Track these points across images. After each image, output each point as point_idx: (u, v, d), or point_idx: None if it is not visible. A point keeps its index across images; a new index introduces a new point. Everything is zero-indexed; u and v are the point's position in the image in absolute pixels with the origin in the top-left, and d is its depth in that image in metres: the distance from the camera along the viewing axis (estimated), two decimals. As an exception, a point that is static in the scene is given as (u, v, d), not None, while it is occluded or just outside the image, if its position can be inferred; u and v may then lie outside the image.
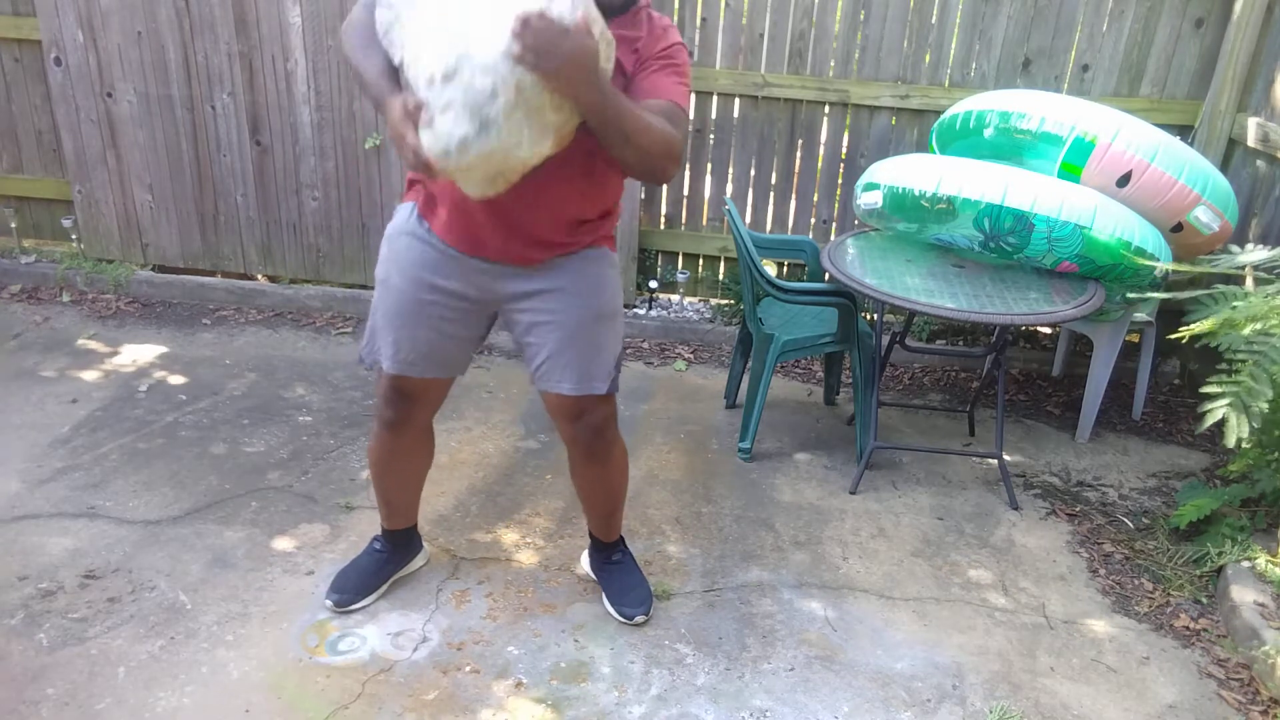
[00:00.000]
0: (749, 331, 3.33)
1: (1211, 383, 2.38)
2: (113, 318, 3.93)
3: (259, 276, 4.29)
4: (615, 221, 2.12)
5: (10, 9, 3.91)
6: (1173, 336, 2.50)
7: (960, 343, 4.03)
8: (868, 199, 3.15)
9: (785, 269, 4.18)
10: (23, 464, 2.84)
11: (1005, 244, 2.89)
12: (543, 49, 1.52)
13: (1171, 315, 3.24)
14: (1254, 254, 2.48)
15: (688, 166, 4.02)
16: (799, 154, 3.95)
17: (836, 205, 3.99)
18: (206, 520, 2.64)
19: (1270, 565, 2.51)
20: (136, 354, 3.62)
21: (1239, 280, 2.54)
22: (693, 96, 3.90)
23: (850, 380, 3.68)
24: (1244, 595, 2.44)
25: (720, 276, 4.18)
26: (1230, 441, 2.26)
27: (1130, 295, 3.01)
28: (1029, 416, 3.57)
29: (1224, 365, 2.45)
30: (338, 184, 4.00)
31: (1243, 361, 2.42)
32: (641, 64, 1.84)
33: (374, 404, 2.19)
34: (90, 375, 3.42)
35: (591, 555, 2.45)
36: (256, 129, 3.93)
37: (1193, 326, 2.39)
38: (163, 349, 3.68)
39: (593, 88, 1.61)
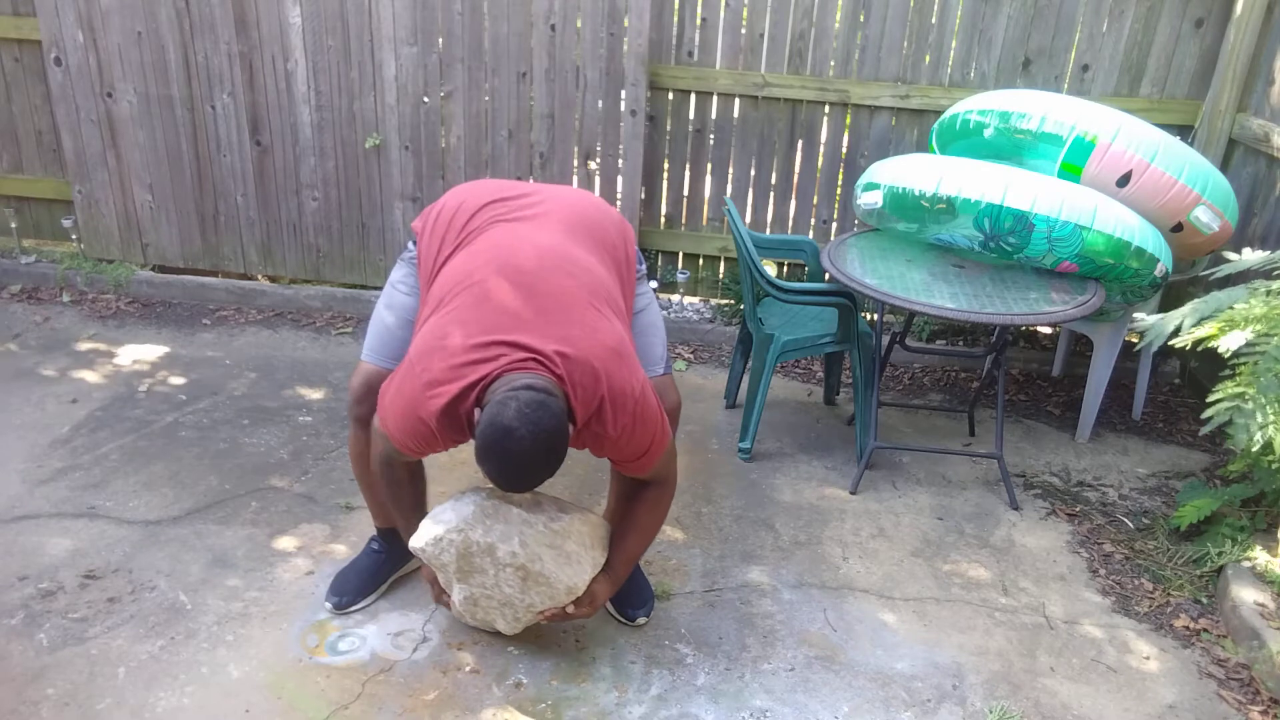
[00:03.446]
0: (749, 331, 3.33)
1: (1216, 390, 2.38)
2: (113, 318, 3.93)
3: (259, 276, 4.29)
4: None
5: (10, 9, 3.91)
6: (1176, 343, 2.50)
7: (960, 343, 4.03)
8: (868, 199, 3.15)
9: (785, 269, 4.19)
10: (23, 464, 2.84)
11: (1005, 244, 2.89)
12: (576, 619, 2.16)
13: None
14: (1253, 256, 2.48)
15: (687, 167, 4.02)
16: (799, 154, 3.95)
17: (836, 205, 3.99)
18: (206, 520, 2.64)
19: (1270, 565, 2.51)
20: (136, 354, 3.62)
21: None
22: (693, 96, 3.91)
23: (850, 380, 3.68)
24: (1244, 595, 2.44)
25: (720, 276, 4.18)
26: (1256, 446, 2.26)
27: (1136, 327, 2.88)
28: (1029, 416, 3.57)
29: (1227, 371, 2.45)
30: (338, 184, 4.00)
31: (1244, 364, 2.43)
32: (618, 463, 2.00)
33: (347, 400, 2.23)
34: (90, 375, 3.42)
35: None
36: (256, 129, 3.93)
37: (1195, 332, 2.40)
38: (163, 349, 3.68)
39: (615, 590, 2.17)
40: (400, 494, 2.10)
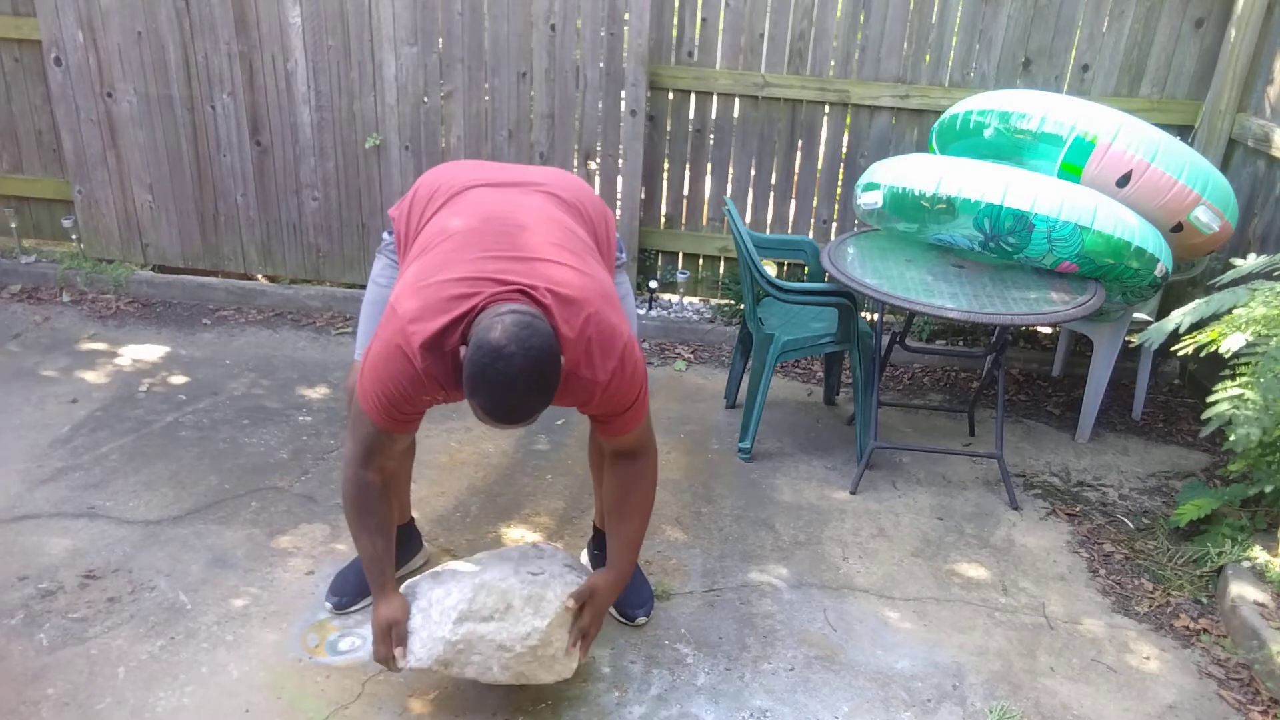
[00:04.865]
0: (749, 331, 3.33)
1: (1216, 390, 2.38)
2: (113, 318, 3.93)
3: (259, 276, 4.29)
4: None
5: (10, 9, 3.91)
6: (1178, 349, 2.50)
7: (960, 343, 4.03)
8: (868, 199, 3.15)
9: (785, 269, 4.19)
10: (23, 464, 2.84)
11: (1005, 244, 2.89)
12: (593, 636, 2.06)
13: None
14: (1255, 262, 2.49)
15: (687, 167, 4.02)
16: (799, 154, 3.95)
17: (836, 205, 3.99)
18: (206, 520, 2.64)
19: (1270, 565, 2.51)
20: (136, 354, 3.62)
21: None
22: (693, 96, 3.91)
23: (850, 380, 3.68)
24: (1244, 595, 2.44)
25: (720, 276, 4.18)
26: (1255, 445, 2.26)
27: (1137, 338, 2.83)
28: (1029, 416, 3.57)
29: (1227, 371, 2.45)
30: (338, 184, 4.00)
31: (1244, 364, 2.43)
32: (597, 419, 1.96)
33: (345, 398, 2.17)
34: (90, 375, 3.42)
35: (594, 552, 2.45)
36: (256, 129, 3.94)
37: (1196, 336, 2.40)
38: (163, 349, 3.68)
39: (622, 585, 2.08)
40: (366, 523, 1.95)
